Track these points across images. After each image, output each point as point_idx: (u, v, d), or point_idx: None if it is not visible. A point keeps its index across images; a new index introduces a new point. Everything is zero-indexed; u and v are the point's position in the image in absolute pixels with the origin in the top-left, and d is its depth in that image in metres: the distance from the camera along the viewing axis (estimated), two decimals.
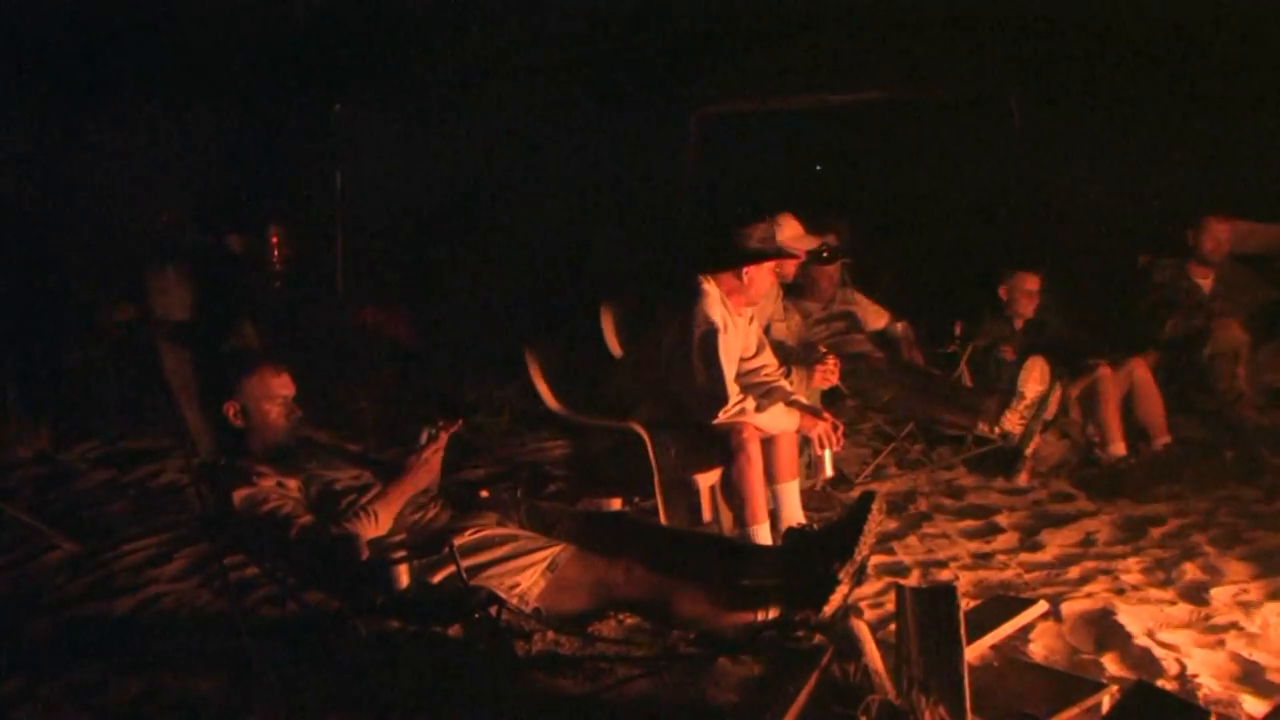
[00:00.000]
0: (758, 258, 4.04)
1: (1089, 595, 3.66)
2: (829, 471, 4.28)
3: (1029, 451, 5.12)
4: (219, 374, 3.36)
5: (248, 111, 8.25)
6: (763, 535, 3.84)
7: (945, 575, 3.98)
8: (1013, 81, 7.53)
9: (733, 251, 4.03)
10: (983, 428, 5.20)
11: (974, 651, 3.10)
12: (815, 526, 3.18)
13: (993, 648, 3.23)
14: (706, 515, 4.28)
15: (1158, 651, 3.19)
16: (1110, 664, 3.16)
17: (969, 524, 4.59)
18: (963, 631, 2.77)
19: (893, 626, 3.05)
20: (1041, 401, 5.11)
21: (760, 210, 4.51)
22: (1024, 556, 4.16)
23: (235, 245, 8.31)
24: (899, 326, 5.72)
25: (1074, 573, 3.94)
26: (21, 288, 7.02)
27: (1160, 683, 3.01)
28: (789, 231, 4.56)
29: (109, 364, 6.96)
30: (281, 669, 3.27)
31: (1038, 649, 3.27)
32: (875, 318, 5.78)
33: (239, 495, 3.10)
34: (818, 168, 9.49)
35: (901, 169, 8.30)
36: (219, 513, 3.21)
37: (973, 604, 3.55)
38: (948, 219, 7.74)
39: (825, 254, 5.34)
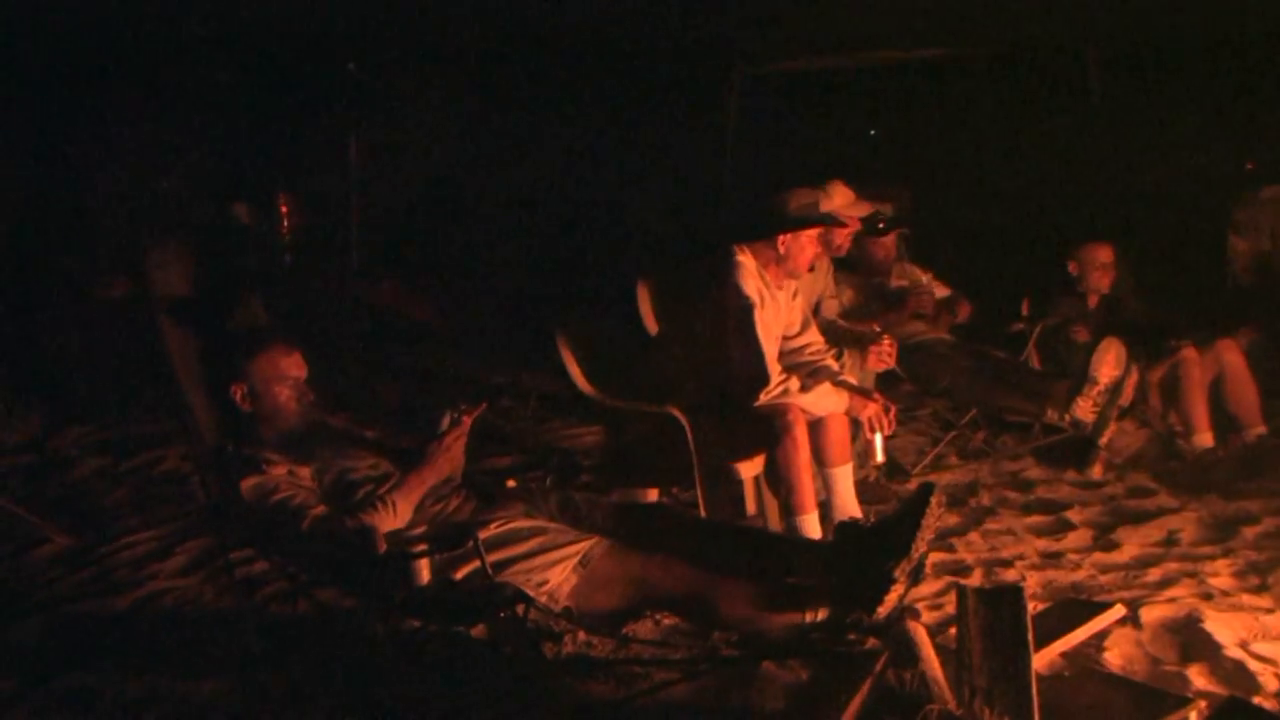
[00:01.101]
0: (795, 225, 4.02)
1: (1172, 600, 3.61)
2: (880, 457, 4.26)
3: (1103, 442, 5.07)
4: (224, 354, 3.38)
5: (255, 71, 8.27)
6: (811, 526, 3.84)
7: (1011, 575, 3.95)
8: (1089, 34, 7.40)
9: (769, 219, 4.01)
10: (1052, 415, 5.17)
11: (1043, 659, 3.07)
12: (869, 520, 3.17)
13: (1064, 655, 3.20)
14: (750, 507, 4.28)
15: (1252, 665, 3.13)
16: (1197, 677, 3.10)
17: (1037, 520, 4.55)
18: (1030, 637, 2.75)
19: (953, 630, 3.02)
20: (1117, 386, 5.06)
21: (803, 175, 4.49)
22: (1098, 556, 4.12)
23: (241, 215, 8.34)
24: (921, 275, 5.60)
25: (1154, 575, 3.90)
26: (8, 260, 7.05)
27: (1256, 700, 2.95)
28: (839, 200, 4.53)
29: (104, 343, 7.00)
30: (292, 672, 3.30)
31: (1114, 658, 3.23)
32: (936, 293, 5.73)
33: (247, 484, 3.12)
34: (871, 132, 9.43)
35: (964, 132, 8.23)
36: (225, 503, 3.24)
37: (1041, 607, 3.53)
38: (1015, 186, 7.67)
39: (880, 224, 5.30)
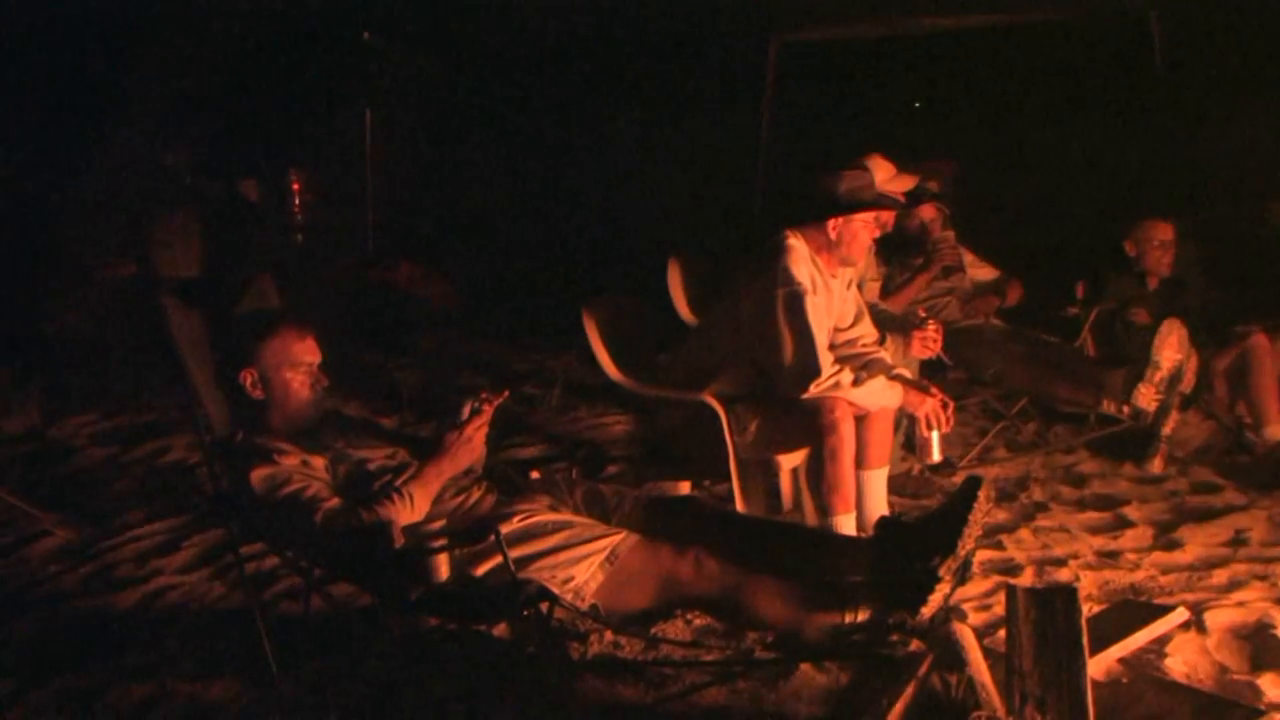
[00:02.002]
0: (849, 208, 3.98)
1: (1240, 604, 3.58)
2: (936, 456, 4.22)
3: (1165, 433, 5.04)
4: (234, 338, 3.39)
5: (266, 41, 8.30)
6: (847, 528, 3.83)
7: (1064, 575, 3.94)
8: None
9: (822, 201, 3.97)
10: (1109, 405, 5.14)
11: (1099, 665, 3.05)
12: (911, 516, 3.16)
13: (1122, 661, 3.18)
14: (787, 502, 4.28)
15: None
16: (1269, 687, 3.06)
17: (1092, 516, 4.53)
18: (1085, 640, 2.74)
19: (1002, 633, 3.01)
20: (1179, 373, 5.02)
21: (844, 151, 4.46)
22: (1158, 556, 4.10)
23: (251, 192, 8.37)
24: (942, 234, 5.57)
25: (1220, 577, 3.87)
26: (5, 240, 7.08)
27: None
28: (880, 174, 4.51)
29: (107, 327, 7.05)
30: (304, 672, 3.31)
31: (1177, 665, 3.20)
32: (980, 275, 5.71)
33: (257, 475, 3.13)
34: (916, 104, 9.39)
35: (1013, 102, 8.17)
36: (234, 495, 3.25)
37: (1097, 609, 3.51)
38: (1069, 161, 7.61)
39: (923, 196, 5.28)
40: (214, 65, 8.07)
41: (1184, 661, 3.22)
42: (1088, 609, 3.27)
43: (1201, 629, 3.39)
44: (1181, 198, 6.28)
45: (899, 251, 5.41)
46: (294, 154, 9.05)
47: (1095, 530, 4.39)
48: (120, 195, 7.34)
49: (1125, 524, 4.43)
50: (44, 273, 7.17)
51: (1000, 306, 5.65)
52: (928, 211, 5.46)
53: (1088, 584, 3.84)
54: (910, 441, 4.58)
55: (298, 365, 3.33)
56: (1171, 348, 5.03)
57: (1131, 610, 3.45)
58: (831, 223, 3.97)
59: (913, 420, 4.20)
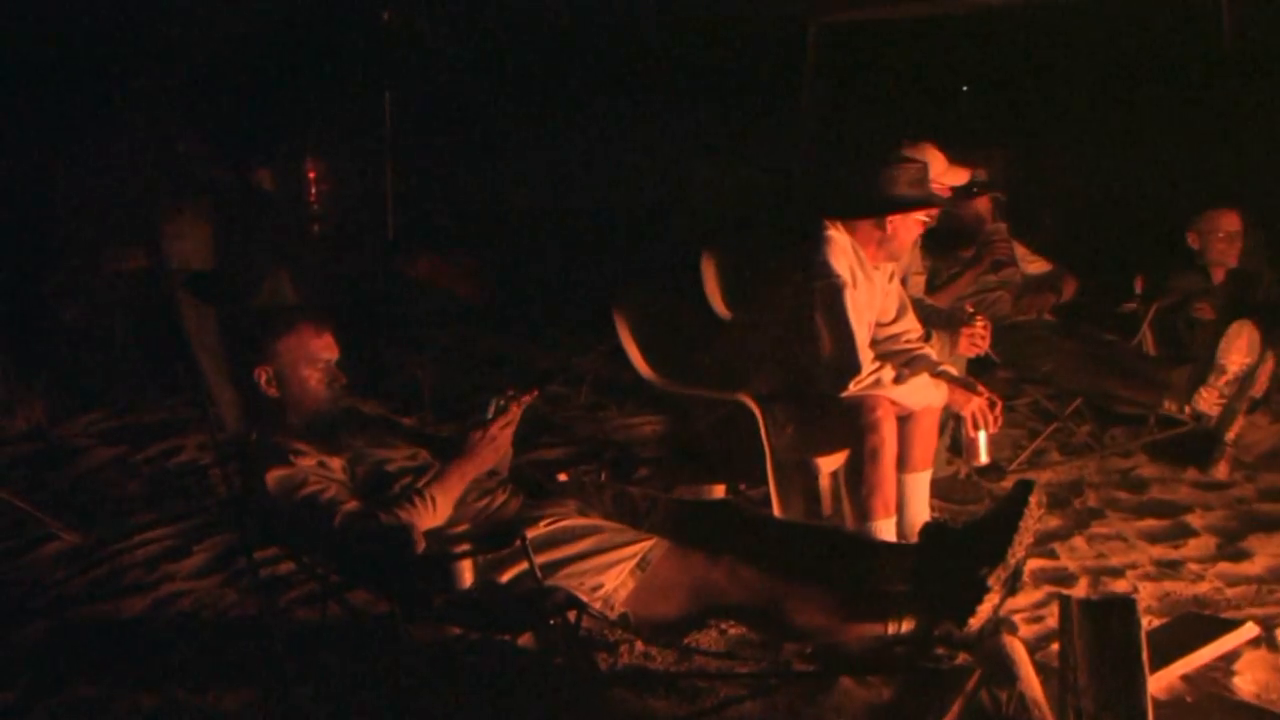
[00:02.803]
0: (905, 206, 3.97)
1: None
2: (984, 458, 4.21)
3: (1230, 437, 5.01)
4: (248, 334, 3.41)
5: (281, 22, 8.34)
6: (886, 534, 3.82)
7: (1121, 586, 3.92)
8: None
9: (874, 198, 3.96)
10: (1170, 406, 5.12)
11: (1160, 682, 3.04)
12: (957, 522, 3.15)
13: (1185, 678, 3.16)
14: (827, 507, 4.26)
15: None
16: None
17: (1151, 524, 4.51)
18: (1145, 655, 2.72)
19: (1055, 646, 3.00)
20: (1249, 376, 4.98)
21: (898, 140, 4.44)
22: (1224, 567, 4.07)
23: (266, 181, 8.43)
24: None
25: None
26: (9, 229, 7.12)
27: None
28: (932, 167, 4.49)
29: (115, 321, 7.10)
30: (320, 683, 3.33)
31: (1245, 684, 3.17)
32: (1033, 269, 5.68)
33: (272, 477, 3.15)
34: (964, 88, 9.36)
35: (1068, 85, 8.12)
36: (248, 498, 3.27)
37: (1157, 622, 3.49)
38: (1126, 144, 7.56)
39: (974, 190, 5.26)
40: (227, 47, 8.11)
41: (1253, 680, 3.20)
42: (1147, 622, 3.25)
43: (1273, 645, 3.37)
44: (1249, 186, 6.21)
45: (946, 243, 5.38)
46: (310, 141, 9.09)
47: (1155, 538, 4.36)
48: (129, 184, 7.39)
49: (1187, 532, 4.40)
50: (49, 264, 7.21)
51: (1055, 302, 5.61)
52: (982, 203, 5.44)
53: (1147, 595, 3.82)
54: (956, 443, 4.56)
55: (315, 362, 3.34)
56: (1240, 351, 5.00)
57: (1195, 624, 3.43)
58: (890, 218, 3.96)
59: (958, 420, 4.19)
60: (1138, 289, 5.62)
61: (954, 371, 4.28)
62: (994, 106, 8.63)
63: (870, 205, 3.97)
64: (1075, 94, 8.00)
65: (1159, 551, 4.23)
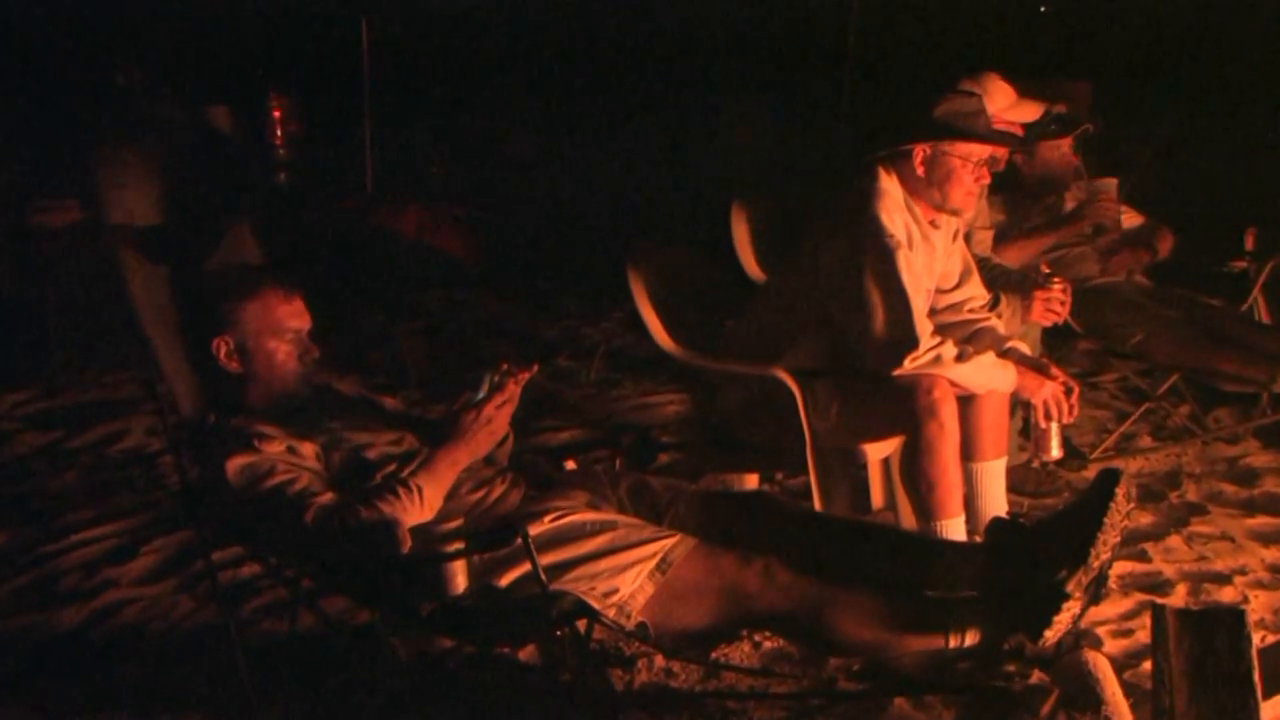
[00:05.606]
0: (941, 134, 3.93)
1: None
2: (1056, 452, 4.19)
3: None
4: (205, 299, 3.42)
5: None
6: (954, 534, 3.82)
7: (1228, 595, 3.93)
8: None
9: (912, 124, 3.93)
10: None
11: (1275, 709, 3.04)
12: (1032, 518, 3.16)
13: None
14: (877, 500, 4.28)
15: None
16: None
17: (1263, 522, 4.52)
18: (1258, 676, 2.73)
19: (1147, 665, 3.02)
20: None
21: (957, 69, 4.42)
22: None
23: (222, 120, 8.41)
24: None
25: None
26: None
27: None
28: (997, 100, 4.47)
29: (46, 286, 7.09)
30: (288, 706, 3.36)
31: None
32: (1125, 221, 5.66)
33: (234, 465, 3.16)
34: (1041, 9, 9.33)
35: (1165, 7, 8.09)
36: (205, 490, 3.29)
37: (1271, 639, 3.49)
38: (1235, 78, 7.52)
39: (1052, 128, 5.23)
40: None
41: None
42: (1260, 638, 3.24)
43: None
44: None
45: (1029, 193, 5.35)
46: (275, 73, 9.09)
47: (1268, 539, 4.37)
48: (59, 123, 7.37)
49: None
50: None
51: (1149, 261, 5.59)
52: (1067, 146, 5.38)
53: (1259, 607, 3.82)
54: (1027, 427, 4.56)
55: (283, 332, 3.35)
56: None
57: None
58: (919, 154, 3.90)
59: (1028, 406, 4.16)
60: (1249, 245, 5.58)
61: (1025, 349, 4.25)
62: (1075, 32, 8.60)
63: (901, 132, 3.93)
64: (1167, 13, 7.97)
65: (1272, 555, 4.23)
